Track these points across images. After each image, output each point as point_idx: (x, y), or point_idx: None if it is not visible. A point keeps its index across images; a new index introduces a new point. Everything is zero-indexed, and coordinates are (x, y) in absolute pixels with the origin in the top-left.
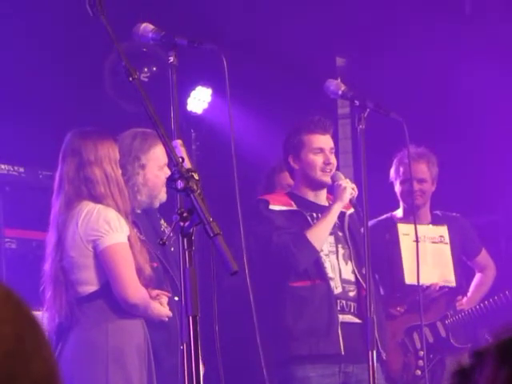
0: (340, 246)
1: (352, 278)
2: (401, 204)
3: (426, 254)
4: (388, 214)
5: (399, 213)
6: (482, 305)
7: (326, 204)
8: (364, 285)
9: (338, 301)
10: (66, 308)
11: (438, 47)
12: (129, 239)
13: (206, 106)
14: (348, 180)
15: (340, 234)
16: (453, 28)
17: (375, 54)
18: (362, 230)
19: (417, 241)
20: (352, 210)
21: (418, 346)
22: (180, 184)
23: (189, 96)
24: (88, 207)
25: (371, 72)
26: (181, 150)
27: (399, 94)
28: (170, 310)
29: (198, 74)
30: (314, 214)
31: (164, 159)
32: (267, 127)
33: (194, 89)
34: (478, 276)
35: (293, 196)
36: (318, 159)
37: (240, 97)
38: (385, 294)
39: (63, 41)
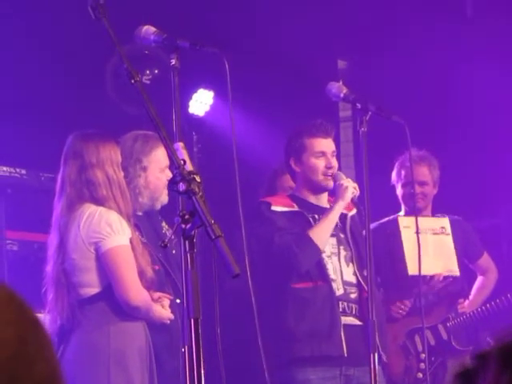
0: (342, 247)
1: (353, 279)
2: (402, 207)
3: (428, 245)
4: (390, 217)
5: (401, 215)
6: (483, 308)
7: (328, 206)
8: (365, 287)
9: (340, 303)
10: (67, 310)
11: (440, 49)
12: (131, 241)
13: (207, 108)
14: (349, 179)
15: (342, 235)
16: (454, 29)
17: (377, 57)
18: (364, 232)
19: (417, 232)
20: (354, 212)
21: (420, 348)
22: (182, 186)
23: (191, 98)
24: (90, 210)
25: (373, 74)
26: (182, 153)
27: (401, 96)
28: (172, 312)
29: (199, 76)
30: (316, 216)
31: (165, 161)
32: (269, 130)
33: (195, 91)
34: (479, 279)
35: (294, 198)
36: (320, 163)
37: (242, 99)
38: (388, 287)
39: (64, 42)
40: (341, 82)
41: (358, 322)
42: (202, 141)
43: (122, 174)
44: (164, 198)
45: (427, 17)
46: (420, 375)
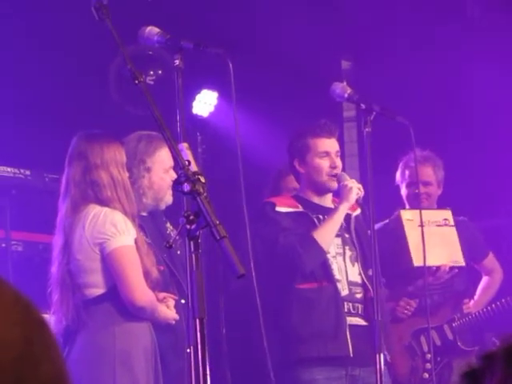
0: (347, 247)
1: (358, 279)
2: (407, 207)
3: (432, 237)
4: (392, 216)
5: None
6: (489, 308)
7: (332, 206)
8: (370, 287)
9: (345, 303)
10: (72, 311)
11: (443, 49)
12: (136, 242)
13: (211, 108)
14: (354, 180)
15: (347, 235)
16: (456, 30)
17: (380, 57)
18: (369, 232)
19: (421, 225)
20: (358, 212)
21: (425, 348)
22: (186, 187)
23: (194, 99)
24: (95, 210)
25: (376, 75)
26: (187, 153)
27: (404, 96)
28: (177, 313)
29: (203, 77)
30: (321, 216)
31: (169, 162)
32: (273, 130)
33: (199, 92)
34: (484, 279)
35: (299, 199)
36: (324, 163)
37: (246, 100)
38: (394, 283)
39: (68, 43)
40: (345, 83)
41: (363, 323)
42: (206, 141)
43: (127, 174)
44: (168, 199)
45: (430, 17)
46: (426, 375)
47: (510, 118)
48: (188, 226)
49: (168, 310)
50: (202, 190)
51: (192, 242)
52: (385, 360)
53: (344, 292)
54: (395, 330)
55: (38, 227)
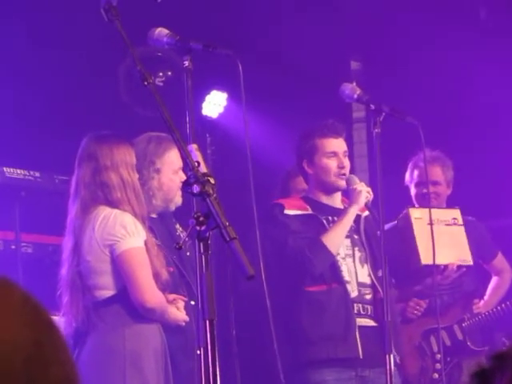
0: (356, 249)
1: (368, 281)
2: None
3: (440, 236)
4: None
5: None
6: (498, 308)
7: (341, 207)
8: (379, 288)
9: (355, 304)
10: (82, 313)
11: (453, 49)
12: (145, 244)
13: (221, 110)
14: (363, 183)
15: (356, 237)
16: (467, 30)
17: (390, 58)
18: (378, 233)
19: (431, 223)
20: (367, 213)
21: (435, 349)
22: (196, 188)
23: (204, 100)
24: (105, 212)
25: (386, 75)
26: (196, 155)
27: (414, 97)
28: (187, 314)
29: (213, 78)
30: (330, 218)
31: (179, 163)
32: (282, 131)
33: (209, 93)
34: (494, 279)
35: (308, 200)
36: (332, 163)
37: (255, 101)
38: (403, 282)
39: (78, 45)
40: (354, 83)
41: (373, 323)
42: (215, 143)
43: (137, 176)
44: (178, 200)
45: (440, 18)
46: (436, 376)
47: None
48: (198, 228)
49: (178, 312)
50: (211, 192)
51: (202, 244)
52: (395, 361)
53: (353, 293)
54: (405, 331)
55: (48, 229)
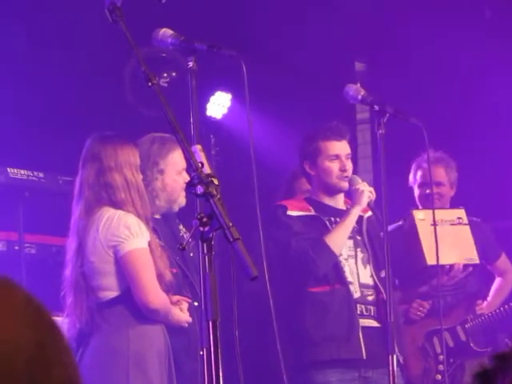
0: (359, 249)
1: (370, 282)
2: (419, 208)
3: (445, 236)
4: (404, 217)
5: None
6: (502, 309)
7: (344, 208)
8: (382, 289)
9: (358, 305)
10: (86, 314)
11: (456, 50)
12: (149, 245)
13: (225, 111)
14: (365, 183)
15: (358, 237)
16: (471, 31)
17: (394, 59)
18: (382, 234)
19: (434, 224)
20: (370, 213)
21: (438, 350)
22: (200, 189)
23: (208, 101)
24: (108, 213)
25: (390, 76)
26: (200, 155)
27: (418, 98)
28: (190, 315)
29: (217, 79)
30: (332, 219)
31: (182, 164)
32: (286, 132)
33: (213, 94)
34: (497, 280)
35: (311, 201)
36: (334, 166)
37: (259, 102)
38: (408, 284)
39: (82, 45)
40: (358, 85)
41: (376, 324)
42: (219, 143)
43: (141, 176)
44: (182, 201)
45: (444, 18)
46: (438, 377)
47: None
48: (201, 228)
49: (181, 313)
50: (215, 192)
51: (205, 244)
52: (398, 361)
53: (356, 294)
54: (408, 332)
55: (52, 230)
